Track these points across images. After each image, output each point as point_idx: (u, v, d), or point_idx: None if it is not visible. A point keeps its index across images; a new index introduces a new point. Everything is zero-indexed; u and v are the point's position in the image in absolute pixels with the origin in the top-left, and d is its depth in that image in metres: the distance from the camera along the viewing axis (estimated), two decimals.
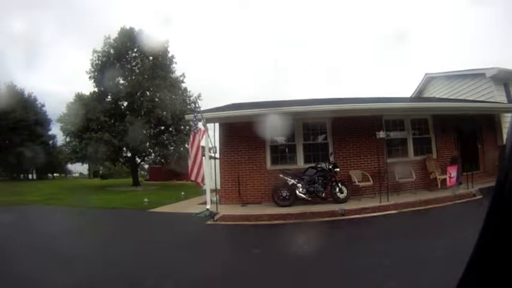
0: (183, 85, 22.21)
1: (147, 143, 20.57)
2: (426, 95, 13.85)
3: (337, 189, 7.69)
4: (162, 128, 21.18)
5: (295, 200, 7.62)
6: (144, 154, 22.66)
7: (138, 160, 23.49)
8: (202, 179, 7.58)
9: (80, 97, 20.45)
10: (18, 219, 7.89)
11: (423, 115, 9.37)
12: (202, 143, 8.01)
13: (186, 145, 20.66)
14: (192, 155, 7.60)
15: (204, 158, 7.80)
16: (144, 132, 19.29)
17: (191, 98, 21.00)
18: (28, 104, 30.41)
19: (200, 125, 7.91)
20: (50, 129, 33.90)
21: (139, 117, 19.62)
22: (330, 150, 8.80)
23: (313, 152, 8.90)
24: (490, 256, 0.61)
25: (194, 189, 9.98)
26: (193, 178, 7.60)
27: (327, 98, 10.34)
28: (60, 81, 59.54)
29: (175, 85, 21.45)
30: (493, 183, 0.62)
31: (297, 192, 7.62)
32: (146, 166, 33.04)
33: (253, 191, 8.61)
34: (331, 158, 8.39)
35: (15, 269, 3.64)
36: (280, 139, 9.12)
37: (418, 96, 14.05)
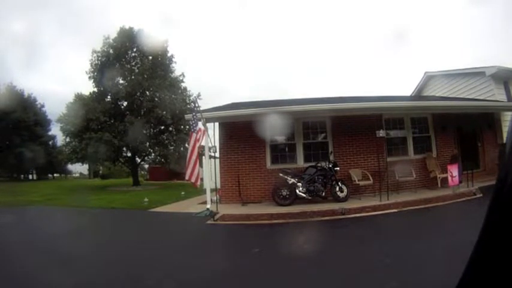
0: (183, 85, 22.25)
1: (147, 143, 20.58)
2: (426, 93, 13.84)
3: (337, 188, 7.68)
4: (162, 127, 21.19)
5: (295, 199, 7.60)
6: (144, 154, 22.65)
7: (138, 160, 23.48)
8: (197, 179, 7.56)
9: (79, 97, 20.42)
10: (20, 220, 7.89)
11: (423, 114, 9.36)
12: (202, 143, 8.02)
13: (186, 145, 20.71)
14: (188, 154, 7.66)
15: (203, 157, 7.80)
16: (144, 132, 19.30)
17: (191, 98, 20.98)
18: (28, 105, 30.41)
19: (200, 124, 7.91)
20: (49, 130, 34.00)
21: (139, 117, 19.62)
22: (330, 149, 8.79)
23: (313, 151, 8.89)
24: (490, 255, 0.61)
25: (194, 188, 9.97)
26: (187, 178, 7.63)
27: (327, 97, 10.33)
28: (60, 81, 59.59)
29: (174, 85, 21.44)
30: (493, 181, 0.62)
31: (297, 191, 7.61)
32: (146, 166, 33.06)
33: (253, 191, 8.61)
34: (331, 157, 8.37)
35: (16, 269, 3.64)
36: (280, 138, 9.10)
37: (418, 95, 14.04)
